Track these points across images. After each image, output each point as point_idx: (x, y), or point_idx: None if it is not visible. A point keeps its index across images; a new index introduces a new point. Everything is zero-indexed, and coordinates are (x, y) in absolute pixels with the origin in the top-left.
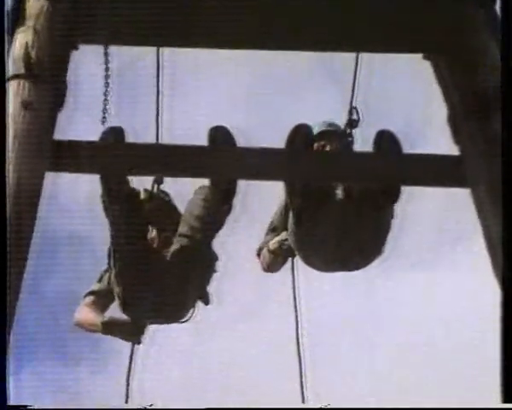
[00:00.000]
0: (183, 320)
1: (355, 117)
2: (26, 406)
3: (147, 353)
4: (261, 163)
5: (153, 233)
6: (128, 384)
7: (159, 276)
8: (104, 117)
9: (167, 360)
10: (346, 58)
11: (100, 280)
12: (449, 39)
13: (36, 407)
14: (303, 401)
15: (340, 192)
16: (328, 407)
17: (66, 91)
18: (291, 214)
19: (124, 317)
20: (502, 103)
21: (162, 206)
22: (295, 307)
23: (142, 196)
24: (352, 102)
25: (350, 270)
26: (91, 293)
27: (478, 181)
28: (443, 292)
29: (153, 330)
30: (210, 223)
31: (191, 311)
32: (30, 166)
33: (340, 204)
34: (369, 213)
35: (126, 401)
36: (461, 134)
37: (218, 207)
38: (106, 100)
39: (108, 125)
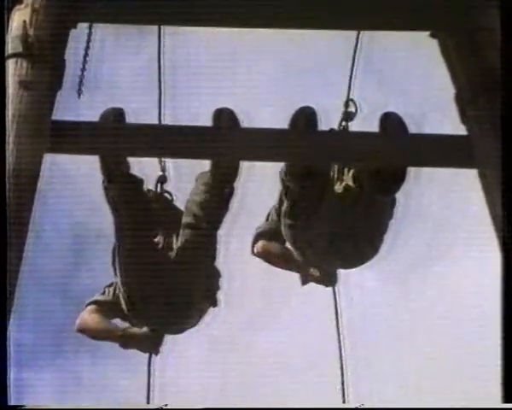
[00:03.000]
0: (192, 324)
1: (352, 109)
2: (26, 406)
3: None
4: (265, 144)
5: (157, 235)
6: (149, 386)
7: (164, 277)
8: (80, 90)
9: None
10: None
11: (103, 293)
12: (457, 18)
13: (36, 407)
14: (343, 401)
15: (339, 186)
16: (362, 406)
17: (64, 71)
18: (286, 206)
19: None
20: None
21: (166, 207)
22: (335, 306)
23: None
24: (348, 94)
25: (347, 266)
26: (95, 302)
27: (485, 161)
28: (443, 291)
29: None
30: (213, 208)
31: (200, 314)
32: (29, 148)
33: (338, 197)
34: (370, 205)
35: (148, 402)
36: (468, 114)
37: (219, 190)
38: (82, 74)
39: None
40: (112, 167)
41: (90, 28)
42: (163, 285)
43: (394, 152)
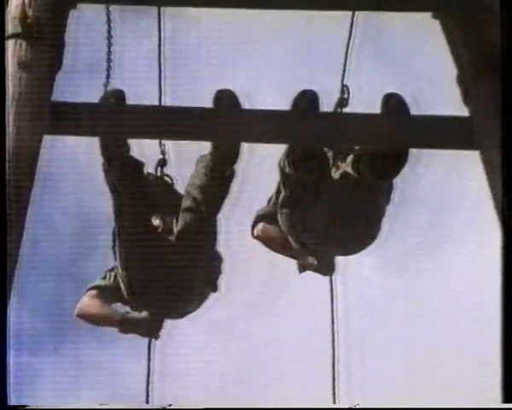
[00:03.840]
0: (193, 309)
1: (345, 96)
2: (26, 406)
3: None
4: (266, 125)
5: (157, 219)
6: (148, 384)
7: (164, 261)
8: (107, 80)
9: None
10: None
11: (104, 277)
12: None
13: (36, 407)
14: (334, 402)
15: (337, 172)
16: (358, 407)
17: (64, 51)
18: (283, 195)
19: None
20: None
21: (166, 190)
22: (331, 296)
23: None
24: (343, 80)
25: (344, 253)
26: (95, 287)
27: (487, 142)
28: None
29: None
30: (213, 191)
31: (200, 299)
32: (28, 129)
33: (336, 184)
34: (368, 191)
35: (147, 402)
36: (470, 95)
37: (220, 173)
38: (109, 61)
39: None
40: (112, 149)
41: (108, 8)
42: (163, 269)
43: (396, 133)
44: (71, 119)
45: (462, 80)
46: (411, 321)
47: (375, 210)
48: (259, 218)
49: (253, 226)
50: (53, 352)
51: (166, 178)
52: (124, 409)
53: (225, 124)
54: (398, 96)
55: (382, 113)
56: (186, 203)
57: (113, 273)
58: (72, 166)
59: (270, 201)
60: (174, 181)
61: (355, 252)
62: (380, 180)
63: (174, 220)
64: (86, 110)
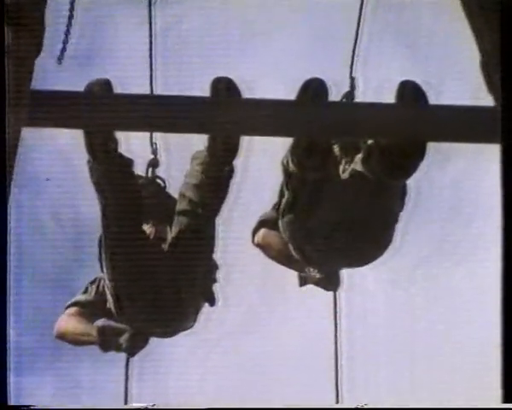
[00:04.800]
0: (187, 326)
1: (355, 85)
2: (26, 406)
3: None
4: (269, 116)
5: (148, 225)
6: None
7: (156, 272)
8: (61, 55)
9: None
10: None
11: (85, 291)
12: None
13: (36, 407)
14: (337, 401)
15: (345, 171)
16: (365, 406)
17: (43, 36)
18: (286, 198)
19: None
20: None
21: (158, 194)
22: (335, 304)
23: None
24: (351, 72)
25: (350, 265)
26: (76, 303)
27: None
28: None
29: None
30: (211, 191)
31: (195, 314)
32: (5, 121)
33: (343, 184)
34: (379, 193)
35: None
36: (495, 81)
37: (218, 171)
38: (66, 39)
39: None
40: (97, 143)
41: None
42: (155, 281)
43: (412, 124)
44: (52, 109)
45: (485, 66)
46: (410, 321)
47: (388, 216)
48: (261, 224)
49: (254, 233)
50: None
51: (158, 181)
52: (121, 409)
53: (224, 114)
54: (415, 83)
55: (397, 102)
56: (181, 206)
57: (94, 286)
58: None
59: (275, 206)
60: (167, 184)
61: (363, 264)
62: (393, 179)
63: (167, 227)
64: (69, 100)
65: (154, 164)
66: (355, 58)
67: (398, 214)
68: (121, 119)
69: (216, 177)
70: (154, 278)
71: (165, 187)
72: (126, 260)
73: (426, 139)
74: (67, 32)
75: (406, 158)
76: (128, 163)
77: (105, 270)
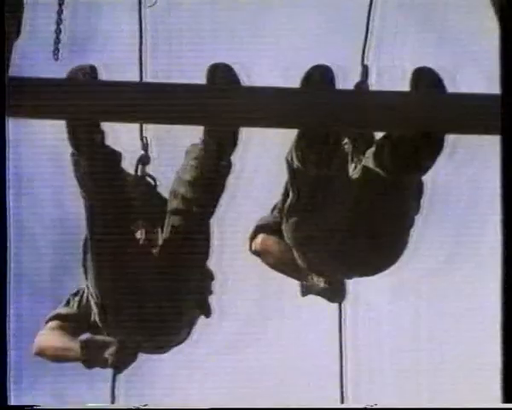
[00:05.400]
0: (180, 340)
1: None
2: (26, 406)
3: None
4: (271, 106)
5: (137, 228)
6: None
7: (145, 279)
8: (57, 49)
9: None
10: None
11: (67, 304)
12: None
13: (36, 407)
14: (342, 401)
15: (355, 168)
16: (375, 407)
17: (22, 16)
18: (290, 199)
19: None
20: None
21: (148, 194)
22: (340, 314)
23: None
24: (363, 59)
25: (361, 273)
26: (57, 317)
27: None
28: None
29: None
30: (206, 188)
31: (189, 328)
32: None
33: (353, 183)
34: (393, 193)
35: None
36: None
37: (214, 166)
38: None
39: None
40: (81, 132)
41: None
42: (144, 290)
43: (429, 113)
44: (31, 98)
45: None
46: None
47: (403, 219)
48: (260, 229)
49: (252, 239)
50: None
51: (149, 179)
52: (122, 409)
53: (221, 103)
54: (431, 69)
55: (412, 90)
56: (173, 205)
57: (77, 298)
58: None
59: (274, 209)
60: (158, 183)
61: (373, 273)
62: (408, 174)
63: (158, 230)
64: (50, 87)
65: (144, 161)
66: (367, 44)
67: (413, 218)
68: (107, 107)
69: (212, 171)
70: (144, 285)
71: (155, 186)
72: (113, 265)
73: (443, 130)
74: (58, 30)
75: (422, 151)
76: (116, 157)
77: (89, 276)
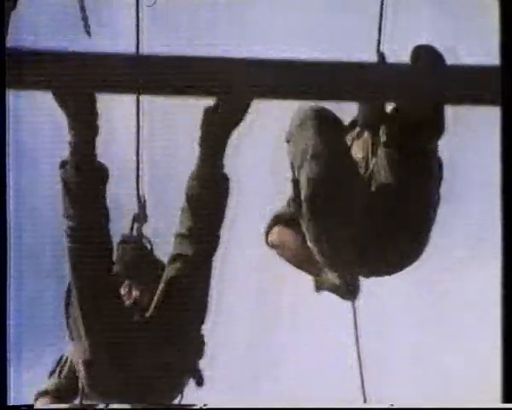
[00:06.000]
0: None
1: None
2: (26, 406)
3: None
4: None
5: (125, 288)
6: None
7: (136, 343)
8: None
9: None
10: None
11: (51, 375)
12: None
13: (36, 407)
14: (365, 401)
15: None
16: (392, 407)
17: None
18: (305, 191)
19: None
20: None
21: (141, 258)
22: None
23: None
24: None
25: (380, 271)
26: (44, 393)
27: None
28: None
29: None
30: (206, 207)
31: (178, 392)
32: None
33: (363, 183)
34: (413, 177)
35: None
36: None
37: (210, 175)
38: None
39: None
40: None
41: None
42: (135, 354)
43: (428, 86)
44: (31, 68)
45: None
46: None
47: (425, 206)
48: (276, 220)
49: (268, 231)
50: None
51: (143, 243)
52: (126, 409)
53: (228, 70)
54: (431, 47)
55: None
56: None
57: (65, 368)
58: None
59: (289, 200)
60: (153, 245)
61: (392, 272)
62: (420, 142)
63: (149, 294)
64: (50, 57)
65: (141, 219)
66: (382, 31)
67: (435, 209)
68: (103, 78)
69: (209, 181)
70: (134, 349)
71: (151, 250)
72: (102, 321)
73: (443, 103)
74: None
75: (425, 131)
76: (103, 173)
77: (75, 335)
